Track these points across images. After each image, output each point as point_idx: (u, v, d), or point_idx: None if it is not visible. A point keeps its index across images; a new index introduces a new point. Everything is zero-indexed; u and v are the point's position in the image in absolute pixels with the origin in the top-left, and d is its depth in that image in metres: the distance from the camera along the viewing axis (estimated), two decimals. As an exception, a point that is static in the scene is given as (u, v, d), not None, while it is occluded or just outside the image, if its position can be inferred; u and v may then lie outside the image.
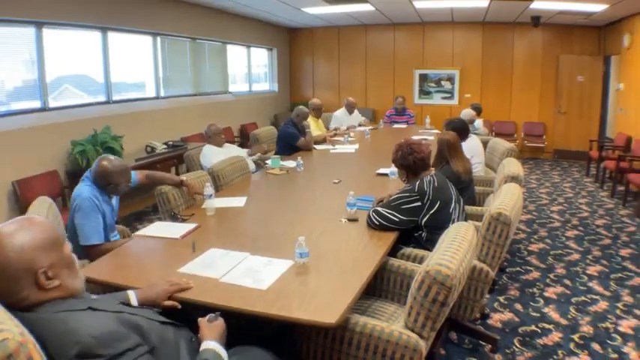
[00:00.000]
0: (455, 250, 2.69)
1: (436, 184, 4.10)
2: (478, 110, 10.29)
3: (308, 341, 2.81)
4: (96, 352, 1.77)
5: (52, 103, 7.67)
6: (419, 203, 3.99)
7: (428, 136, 9.01)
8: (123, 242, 3.90)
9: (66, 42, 8.04)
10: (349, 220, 4.15)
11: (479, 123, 9.88)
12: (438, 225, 3.97)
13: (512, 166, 5.31)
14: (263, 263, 3.21)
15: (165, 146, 9.07)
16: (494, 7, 11.07)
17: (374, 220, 3.93)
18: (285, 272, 3.06)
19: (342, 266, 3.20)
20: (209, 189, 4.53)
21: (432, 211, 4.00)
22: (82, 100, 8.43)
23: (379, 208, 3.98)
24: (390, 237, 3.73)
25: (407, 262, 3.62)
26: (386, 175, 5.76)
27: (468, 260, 2.74)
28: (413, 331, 2.63)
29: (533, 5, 10.55)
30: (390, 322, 3.00)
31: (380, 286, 3.57)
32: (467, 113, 9.00)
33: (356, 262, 3.23)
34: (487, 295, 4.95)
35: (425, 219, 4.01)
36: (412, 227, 4.03)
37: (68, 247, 2.03)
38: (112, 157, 4.09)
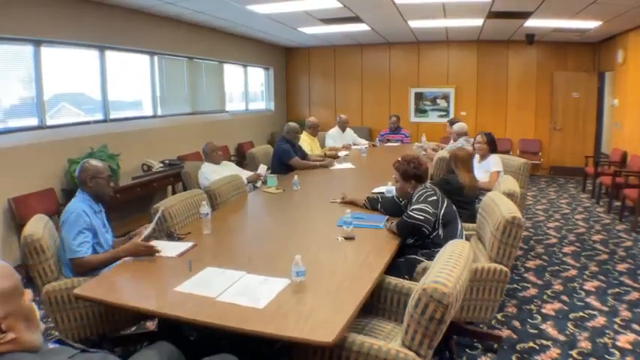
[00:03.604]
0: (452, 267, 2.70)
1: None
2: None
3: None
4: None
5: (49, 121, 7.67)
6: (435, 197, 4.36)
7: (422, 150, 9.20)
8: (108, 255, 3.95)
9: (64, 60, 8.06)
10: (346, 238, 4.16)
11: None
12: (451, 218, 4.39)
13: (509, 183, 5.38)
14: (259, 282, 3.20)
15: (161, 165, 9.07)
16: (489, 25, 11.15)
17: (418, 215, 4.17)
18: (282, 291, 3.06)
19: (339, 285, 3.19)
20: (205, 208, 4.53)
21: (444, 206, 4.37)
22: (79, 118, 8.44)
23: (416, 206, 4.24)
24: (387, 255, 3.74)
25: (403, 280, 3.62)
26: (382, 193, 5.75)
27: (464, 278, 2.75)
28: (410, 349, 2.62)
29: (528, 23, 10.64)
30: (388, 341, 3.00)
31: (377, 305, 3.56)
32: (461, 126, 9.04)
33: (353, 281, 3.22)
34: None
35: (442, 212, 4.33)
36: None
37: (29, 295, 1.83)
38: (93, 160, 4.34)
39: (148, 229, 4.09)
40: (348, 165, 8.35)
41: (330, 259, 3.76)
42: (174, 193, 9.05)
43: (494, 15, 9.86)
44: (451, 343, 4.35)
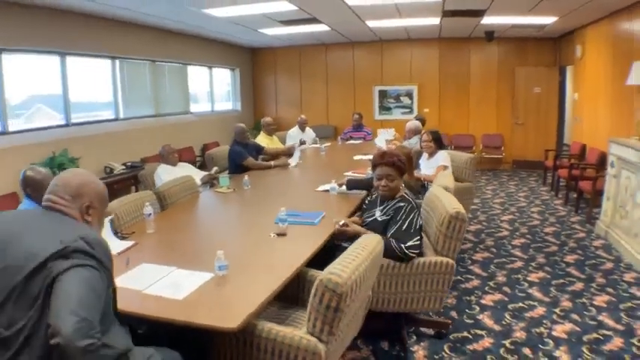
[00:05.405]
0: (351, 259, 2.89)
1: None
2: (422, 122, 10.36)
3: (224, 347, 2.99)
4: (94, 247, 2.23)
5: (25, 124, 7.88)
6: (418, 215, 4.28)
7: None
8: None
9: (33, 63, 8.25)
10: (278, 234, 4.29)
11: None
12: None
13: (443, 179, 5.57)
14: (185, 275, 3.37)
15: (123, 167, 9.18)
16: (447, 23, 11.36)
17: (412, 254, 4.10)
18: (204, 283, 3.23)
19: (258, 277, 3.35)
20: (148, 209, 4.66)
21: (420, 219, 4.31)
22: (55, 119, 8.71)
23: (410, 242, 4.09)
24: (310, 250, 3.87)
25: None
26: (327, 191, 5.96)
27: (365, 268, 2.92)
28: (313, 335, 2.80)
29: (485, 20, 10.84)
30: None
31: (302, 297, 3.71)
32: (415, 124, 9.18)
33: (272, 274, 3.36)
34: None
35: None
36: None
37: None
38: (37, 167, 4.36)
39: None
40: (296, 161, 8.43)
41: (258, 254, 3.92)
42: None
43: (449, 13, 10.06)
44: (403, 333, 4.53)
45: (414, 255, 4.09)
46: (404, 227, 4.16)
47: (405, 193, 4.45)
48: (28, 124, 8.22)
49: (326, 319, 2.75)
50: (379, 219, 4.40)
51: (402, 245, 4.06)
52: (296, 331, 2.86)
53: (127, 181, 8.96)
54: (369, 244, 3.16)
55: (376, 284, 4.07)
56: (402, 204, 4.28)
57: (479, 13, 10.04)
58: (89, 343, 1.92)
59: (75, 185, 2.46)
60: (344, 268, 2.77)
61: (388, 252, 4.00)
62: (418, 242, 4.14)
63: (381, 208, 4.46)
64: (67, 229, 2.27)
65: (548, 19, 10.50)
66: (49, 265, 2.09)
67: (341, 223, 4.35)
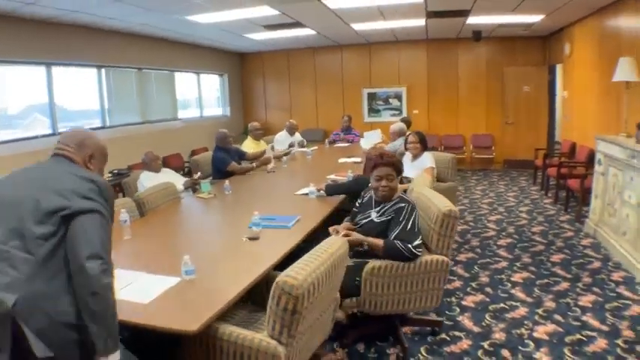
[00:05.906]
0: (309, 261, 2.90)
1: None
2: (408, 124, 10.32)
3: (190, 349, 3.01)
4: (103, 190, 2.56)
5: (23, 133, 8.05)
6: (417, 214, 4.28)
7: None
8: None
9: (29, 73, 8.42)
10: (250, 238, 4.28)
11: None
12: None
13: (422, 178, 5.59)
14: (153, 280, 3.37)
15: (110, 174, 9.18)
16: (433, 24, 11.37)
17: (419, 253, 4.10)
18: (170, 288, 3.24)
19: (225, 281, 3.37)
20: (124, 215, 4.65)
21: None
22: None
23: (416, 242, 4.10)
24: (279, 254, 3.87)
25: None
26: (306, 195, 5.96)
27: (324, 269, 2.93)
28: (273, 338, 2.81)
29: (470, 20, 10.83)
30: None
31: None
32: (400, 127, 9.14)
33: (240, 277, 3.37)
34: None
35: None
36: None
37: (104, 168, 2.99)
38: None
39: None
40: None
41: (229, 258, 3.94)
42: (123, 198, 9.18)
43: (432, 14, 10.06)
44: (399, 334, 4.50)
45: (420, 254, 4.09)
46: (408, 227, 4.15)
47: (402, 193, 4.45)
48: (26, 133, 8.31)
49: (284, 321, 2.75)
50: (376, 220, 4.39)
51: (409, 245, 4.04)
52: (256, 334, 2.87)
53: (113, 188, 8.93)
54: (331, 246, 3.16)
55: (374, 287, 4.07)
56: (402, 204, 4.28)
57: (463, 13, 10.03)
58: (109, 281, 2.34)
59: (79, 137, 2.81)
60: (301, 270, 2.78)
61: (394, 253, 4.07)
62: (422, 241, 4.17)
63: (378, 209, 4.44)
64: (79, 172, 2.63)
65: (534, 18, 10.49)
66: (68, 200, 2.42)
67: (342, 233, 4.31)
